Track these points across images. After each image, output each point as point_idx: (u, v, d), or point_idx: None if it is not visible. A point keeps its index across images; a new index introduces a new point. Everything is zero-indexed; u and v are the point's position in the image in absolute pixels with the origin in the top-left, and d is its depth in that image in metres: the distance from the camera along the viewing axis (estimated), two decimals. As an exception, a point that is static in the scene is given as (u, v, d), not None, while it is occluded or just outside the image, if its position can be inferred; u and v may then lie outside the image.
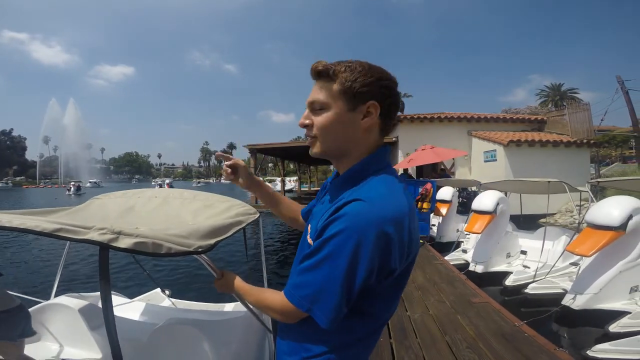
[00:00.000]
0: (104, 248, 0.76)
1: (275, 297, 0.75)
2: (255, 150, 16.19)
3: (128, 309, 2.40)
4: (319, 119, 0.73)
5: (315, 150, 0.76)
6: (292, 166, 41.66)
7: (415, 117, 12.12)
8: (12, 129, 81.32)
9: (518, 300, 4.12)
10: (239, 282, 0.91)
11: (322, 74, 0.72)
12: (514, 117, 12.91)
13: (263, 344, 2.08)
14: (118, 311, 2.16)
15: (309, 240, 0.73)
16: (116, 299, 2.57)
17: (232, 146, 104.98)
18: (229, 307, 2.67)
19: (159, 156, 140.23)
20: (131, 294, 2.96)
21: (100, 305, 2.25)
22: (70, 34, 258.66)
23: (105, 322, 0.86)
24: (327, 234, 0.65)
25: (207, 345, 1.72)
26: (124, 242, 0.77)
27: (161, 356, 1.80)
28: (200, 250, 0.91)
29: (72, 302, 2.03)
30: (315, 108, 0.73)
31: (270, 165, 65.62)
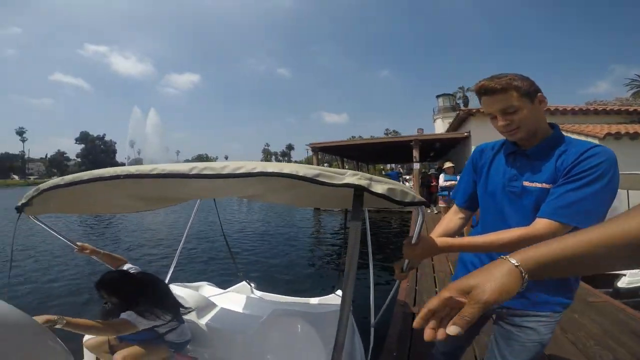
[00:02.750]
0: (360, 192, 0.82)
1: (529, 230, 0.93)
2: (317, 149, 16.60)
3: (225, 299, 2.51)
4: (519, 117, 1.01)
5: (520, 135, 1.04)
6: (346, 167, 41.71)
7: (489, 110, 11.33)
8: (104, 134, 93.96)
9: (634, 303, 3.66)
10: (444, 240, 1.05)
11: (498, 91, 0.99)
12: (607, 109, 11.47)
13: (353, 338, 2.04)
14: (217, 301, 2.32)
15: (536, 185, 1.02)
16: (211, 289, 2.74)
17: (290, 147, 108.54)
18: (314, 300, 2.71)
19: (226, 157, 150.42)
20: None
21: (201, 293, 2.43)
22: (142, 46, 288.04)
23: (342, 295, 0.89)
24: (591, 164, 0.92)
25: (311, 337, 1.78)
26: (378, 187, 0.83)
27: (268, 347, 1.89)
28: (425, 203, 0.96)
29: (183, 291, 2.22)
30: (509, 111, 1.01)
31: (325, 165, 66.41)
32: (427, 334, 0.49)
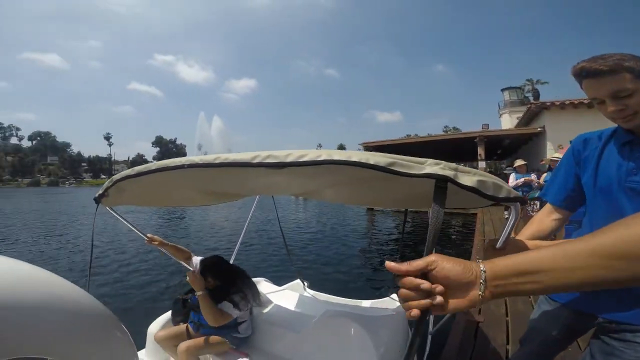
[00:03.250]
0: (443, 183, 0.70)
1: None
2: (370, 148, 16.35)
3: (279, 296, 2.53)
4: (635, 100, 0.89)
5: (637, 121, 0.93)
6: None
7: (567, 102, 10.03)
8: (176, 138, 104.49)
9: None
10: (537, 244, 0.93)
11: (605, 73, 0.89)
12: None
13: (404, 346, 2.02)
14: (272, 297, 2.33)
15: None
16: (267, 286, 2.78)
17: (341, 147, 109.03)
18: (366, 303, 2.63)
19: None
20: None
21: (259, 289, 2.35)
22: (203, 54, 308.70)
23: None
24: None
25: (363, 341, 1.72)
26: (466, 179, 0.71)
27: (319, 347, 1.86)
28: (522, 200, 0.82)
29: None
30: (622, 95, 0.90)
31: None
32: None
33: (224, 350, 1.88)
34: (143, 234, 2.07)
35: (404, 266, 0.52)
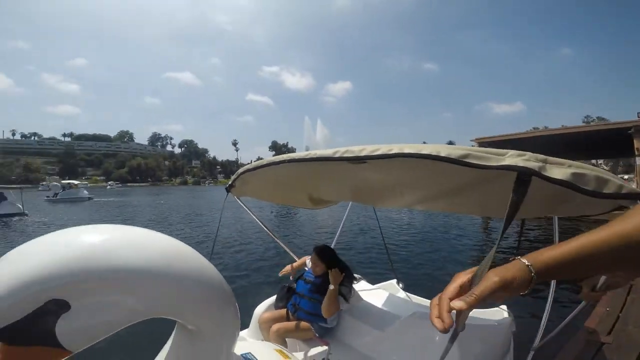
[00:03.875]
0: (526, 177, 0.62)
1: None
2: (485, 144, 14.60)
3: (371, 294, 2.49)
4: None
5: None
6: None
7: None
8: (287, 142, 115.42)
9: None
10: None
11: None
12: None
13: (505, 358, 1.83)
14: (363, 295, 2.32)
15: None
16: (360, 283, 2.75)
17: (451, 143, 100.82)
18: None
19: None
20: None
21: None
22: (301, 62, 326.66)
23: None
24: None
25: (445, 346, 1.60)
26: (556, 171, 0.62)
27: (402, 348, 1.80)
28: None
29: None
30: None
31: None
32: (439, 324, 0.48)
33: (308, 336, 1.97)
34: (264, 225, 2.34)
35: (466, 305, 0.48)
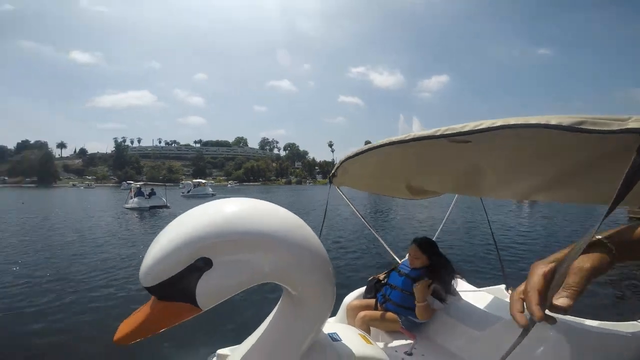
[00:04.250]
0: None
1: None
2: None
3: (473, 296, 2.29)
4: None
5: None
6: None
7: None
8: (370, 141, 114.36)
9: None
10: None
11: None
12: None
13: None
14: (464, 295, 2.12)
15: None
16: (463, 284, 2.54)
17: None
18: (594, 322, 2.06)
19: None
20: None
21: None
22: (388, 60, 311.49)
23: None
24: None
25: (559, 354, 1.47)
26: None
27: (499, 349, 1.57)
28: None
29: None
30: None
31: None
32: (522, 319, 0.46)
33: (393, 328, 1.90)
34: (364, 219, 2.39)
35: (571, 301, 0.46)
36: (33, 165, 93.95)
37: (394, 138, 1.15)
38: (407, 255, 2.03)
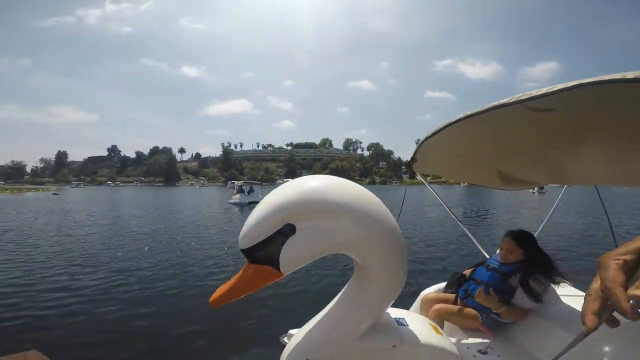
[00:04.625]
0: None
1: None
2: None
3: (574, 299, 1.94)
4: None
5: None
6: None
7: None
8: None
9: None
10: None
11: None
12: None
13: None
14: (568, 301, 1.83)
15: None
16: (565, 287, 2.15)
17: None
18: None
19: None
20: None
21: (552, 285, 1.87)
22: (478, 50, 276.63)
23: None
24: None
25: None
26: None
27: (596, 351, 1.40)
28: None
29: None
30: None
31: None
32: (593, 321, 0.40)
33: (470, 325, 1.75)
34: (451, 211, 2.25)
35: None
36: (161, 168, 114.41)
37: (469, 112, 1.14)
38: (499, 249, 1.85)
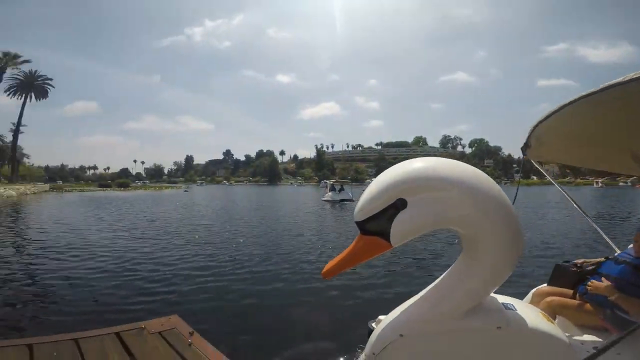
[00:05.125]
0: None
1: None
2: None
3: None
4: None
5: None
6: None
7: None
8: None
9: None
10: None
11: None
12: None
13: None
14: None
15: None
16: None
17: None
18: None
19: None
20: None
21: None
22: (605, 32, 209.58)
23: None
24: None
25: None
26: None
27: None
28: None
29: None
30: None
31: None
32: None
33: (590, 321, 1.63)
34: (573, 200, 2.03)
35: None
36: (265, 169, 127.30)
37: (585, 92, 1.07)
38: (633, 243, 1.72)
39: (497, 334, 1.05)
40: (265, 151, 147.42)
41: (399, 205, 0.96)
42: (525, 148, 1.69)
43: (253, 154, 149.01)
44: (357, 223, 1.01)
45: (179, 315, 2.01)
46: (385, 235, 0.97)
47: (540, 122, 1.43)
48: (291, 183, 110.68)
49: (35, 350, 1.53)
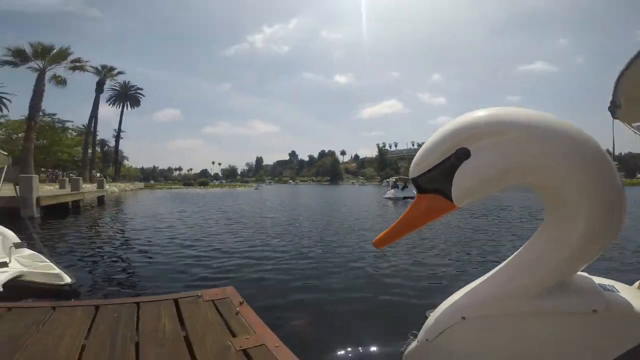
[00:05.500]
0: None
1: None
2: None
3: None
4: None
5: None
6: None
7: None
8: None
9: None
10: None
11: None
12: None
13: None
14: None
15: None
16: None
17: None
18: None
19: None
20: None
21: None
22: None
23: None
24: None
25: None
26: None
27: None
28: None
29: None
30: None
31: None
32: None
33: None
34: None
35: None
36: (327, 169, 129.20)
37: None
38: None
39: (590, 319, 0.84)
40: (327, 151, 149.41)
41: (461, 155, 0.81)
42: (613, 107, 1.26)
43: (316, 154, 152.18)
44: (413, 180, 0.89)
45: (235, 289, 2.08)
46: (447, 193, 0.83)
47: (627, 68, 1.10)
48: (352, 182, 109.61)
49: (100, 310, 1.69)
